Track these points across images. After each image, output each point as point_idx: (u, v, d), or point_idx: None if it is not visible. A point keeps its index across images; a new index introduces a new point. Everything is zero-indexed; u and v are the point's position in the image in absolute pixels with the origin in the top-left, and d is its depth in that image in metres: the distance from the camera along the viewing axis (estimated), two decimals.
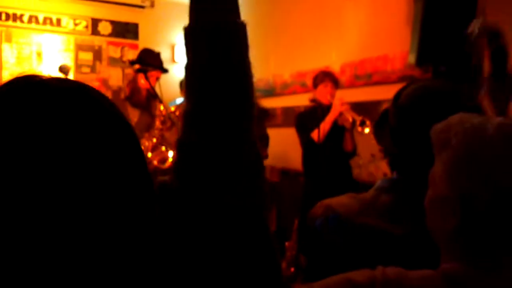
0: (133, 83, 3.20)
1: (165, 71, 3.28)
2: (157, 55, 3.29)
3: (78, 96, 0.52)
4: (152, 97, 3.13)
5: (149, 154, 3.06)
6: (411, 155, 0.99)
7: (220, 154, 0.59)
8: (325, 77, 3.46)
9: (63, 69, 3.11)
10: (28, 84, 0.51)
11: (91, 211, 0.49)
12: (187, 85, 0.62)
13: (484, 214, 0.70)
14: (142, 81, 3.13)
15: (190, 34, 0.62)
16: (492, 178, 0.70)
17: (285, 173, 4.61)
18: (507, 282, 0.71)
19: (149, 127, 3.16)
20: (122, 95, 3.25)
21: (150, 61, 3.20)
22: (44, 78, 0.53)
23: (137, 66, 3.18)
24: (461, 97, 0.99)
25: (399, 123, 1.04)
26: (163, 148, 3.10)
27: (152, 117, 3.17)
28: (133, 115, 3.23)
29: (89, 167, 0.49)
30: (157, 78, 3.23)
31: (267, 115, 3.45)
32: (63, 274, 0.47)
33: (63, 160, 0.48)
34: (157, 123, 3.11)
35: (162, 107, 3.09)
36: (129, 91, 3.23)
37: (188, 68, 0.62)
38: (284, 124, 4.73)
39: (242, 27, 0.63)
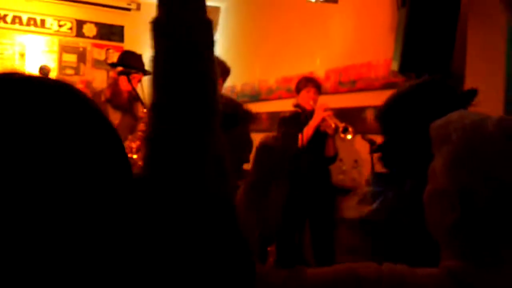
0: (114, 85, 3.17)
1: (147, 73, 3.26)
2: (139, 57, 3.27)
3: (58, 93, 0.52)
4: (135, 99, 3.10)
5: (135, 156, 3.04)
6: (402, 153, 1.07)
7: (183, 144, 0.61)
8: (307, 82, 3.47)
9: (43, 70, 3.08)
10: (8, 81, 0.51)
11: (71, 206, 0.48)
12: (152, 77, 0.64)
13: (483, 209, 0.70)
14: (124, 83, 3.11)
15: (155, 27, 0.64)
16: (492, 174, 0.70)
17: None
18: (509, 277, 0.70)
19: (132, 129, 3.13)
20: (103, 98, 3.22)
21: (133, 63, 3.17)
22: (25, 74, 0.52)
23: (119, 69, 3.15)
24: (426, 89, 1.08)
25: (384, 129, 1.14)
26: None
27: (135, 119, 3.14)
28: (114, 118, 3.19)
29: (69, 163, 0.48)
30: (139, 80, 3.21)
31: (251, 118, 3.44)
32: (40, 271, 0.47)
33: (43, 156, 0.47)
34: (141, 125, 3.08)
35: (145, 109, 3.07)
36: (110, 93, 3.20)
37: (153, 60, 0.64)
38: (269, 129, 4.73)
39: (206, 23, 0.64)
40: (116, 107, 3.19)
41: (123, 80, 3.11)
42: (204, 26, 0.64)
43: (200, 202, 0.60)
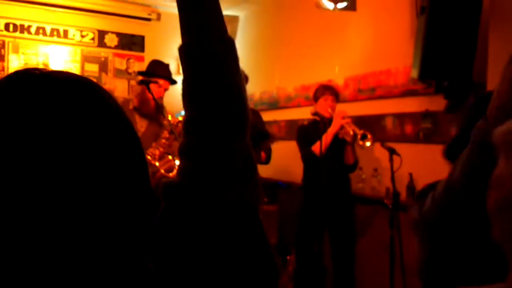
0: (141, 94, 3.23)
1: (173, 82, 3.31)
2: (166, 66, 3.32)
3: (80, 88, 0.53)
4: (160, 107, 3.14)
5: (157, 163, 3.07)
6: None
7: (216, 156, 0.64)
8: (325, 90, 3.47)
9: None
10: (29, 76, 0.51)
11: (90, 207, 0.49)
12: (184, 97, 0.68)
13: None
14: (152, 92, 3.16)
15: (183, 53, 0.68)
16: None
17: (288, 186, 4.60)
18: None
19: (157, 137, 3.18)
20: (131, 106, 3.28)
21: (158, 72, 3.23)
22: (45, 70, 0.53)
23: (139, 78, 3.20)
24: None
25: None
26: (170, 157, 3.11)
27: (161, 127, 3.19)
28: (141, 125, 3.25)
29: (89, 160, 0.49)
30: (166, 90, 3.26)
31: (266, 138, 3.45)
32: (58, 273, 0.47)
33: (64, 152, 0.48)
34: (165, 133, 3.13)
35: (170, 117, 3.12)
36: (138, 102, 3.26)
37: (184, 82, 0.68)
38: (287, 137, 4.74)
39: (229, 42, 0.69)
40: (144, 115, 3.25)
41: (150, 88, 3.16)
42: (227, 45, 0.68)
43: (234, 209, 0.63)
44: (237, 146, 0.66)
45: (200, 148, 0.64)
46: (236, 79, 0.68)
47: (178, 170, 0.66)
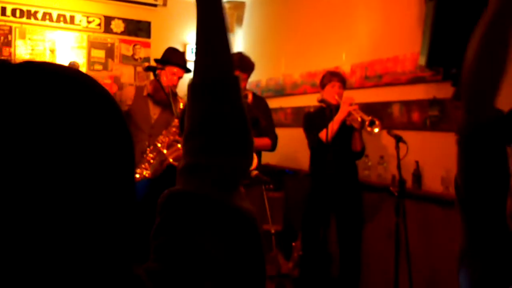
0: (155, 81, 3.24)
1: (187, 70, 3.31)
2: (181, 54, 3.33)
3: (64, 82, 0.51)
4: (167, 95, 3.15)
5: (165, 151, 3.09)
6: None
7: (224, 173, 0.70)
8: (332, 77, 3.45)
9: (72, 66, 3.15)
10: (7, 68, 0.50)
11: (74, 203, 0.48)
12: (189, 127, 0.74)
13: None
14: (164, 78, 3.17)
15: (193, 88, 0.76)
16: None
17: (294, 173, 4.61)
18: None
19: (169, 124, 3.19)
20: (145, 92, 3.29)
21: (172, 59, 3.23)
22: (37, 63, 0.52)
23: (145, 64, 3.21)
24: None
25: None
26: (179, 145, 3.13)
27: (173, 115, 3.21)
28: (154, 112, 3.27)
29: (75, 156, 0.48)
30: (180, 77, 3.27)
31: (254, 125, 3.45)
32: (43, 270, 0.46)
33: (49, 146, 0.46)
34: (176, 121, 3.14)
35: (182, 105, 3.13)
36: (152, 89, 3.27)
37: (190, 115, 0.74)
38: (293, 124, 4.73)
39: (235, 80, 0.76)
40: (157, 102, 3.27)
41: (164, 76, 3.17)
42: (235, 81, 0.76)
43: (240, 218, 0.68)
44: (242, 163, 0.73)
45: (208, 167, 0.70)
46: (241, 112, 0.76)
47: (179, 184, 0.70)
